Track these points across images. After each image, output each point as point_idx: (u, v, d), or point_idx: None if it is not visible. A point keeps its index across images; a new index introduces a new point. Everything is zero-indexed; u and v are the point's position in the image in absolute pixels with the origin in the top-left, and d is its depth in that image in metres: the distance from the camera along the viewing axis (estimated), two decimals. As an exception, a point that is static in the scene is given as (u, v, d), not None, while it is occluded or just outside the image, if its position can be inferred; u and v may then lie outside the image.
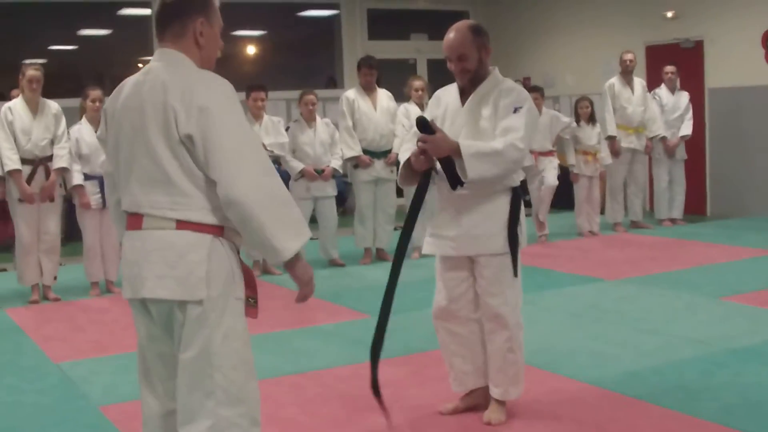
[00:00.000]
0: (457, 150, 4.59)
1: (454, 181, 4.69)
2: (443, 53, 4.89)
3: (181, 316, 3.27)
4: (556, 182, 11.43)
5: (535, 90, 11.19)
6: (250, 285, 3.43)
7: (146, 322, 3.44)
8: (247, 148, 3.25)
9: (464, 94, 4.93)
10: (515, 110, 4.74)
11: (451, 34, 4.85)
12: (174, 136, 3.22)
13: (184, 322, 3.26)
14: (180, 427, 3.34)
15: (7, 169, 8.40)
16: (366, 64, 10.21)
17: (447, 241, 4.93)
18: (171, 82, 3.26)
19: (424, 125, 4.64)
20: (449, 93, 5.05)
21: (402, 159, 4.98)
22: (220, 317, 3.27)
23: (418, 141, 4.65)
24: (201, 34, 3.41)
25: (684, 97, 12.33)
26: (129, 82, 3.44)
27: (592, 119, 11.77)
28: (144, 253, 3.31)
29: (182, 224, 3.26)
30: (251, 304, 3.42)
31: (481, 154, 4.60)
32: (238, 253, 3.43)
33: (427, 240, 5.06)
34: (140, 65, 14.39)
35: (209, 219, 3.28)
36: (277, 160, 9.66)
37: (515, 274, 4.85)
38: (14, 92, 8.77)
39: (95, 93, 8.84)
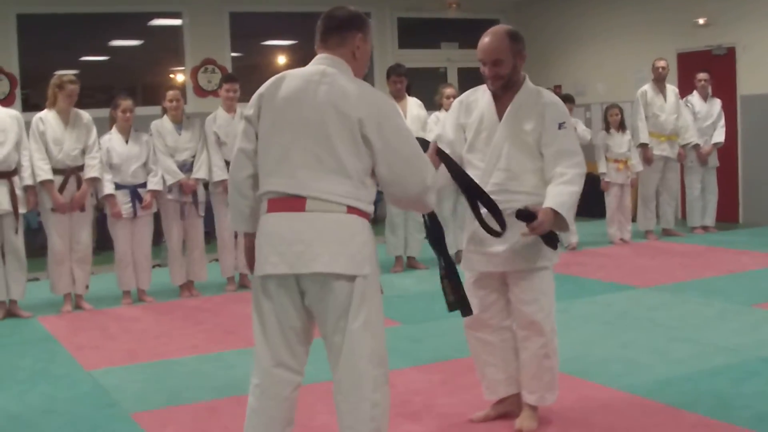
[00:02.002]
0: (554, 216, 4.58)
1: (553, 243, 4.77)
2: (477, 56, 4.80)
3: (347, 290, 3.74)
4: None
5: (567, 100, 11.19)
6: None
7: (291, 298, 3.85)
8: (415, 151, 3.83)
9: (497, 102, 4.86)
10: (560, 126, 4.72)
11: (487, 38, 4.77)
12: (358, 140, 3.73)
13: (352, 295, 3.74)
14: (349, 390, 3.83)
15: (39, 179, 8.45)
16: (395, 72, 10.20)
17: (488, 258, 4.88)
18: (353, 92, 3.78)
19: (526, 216, 4.59)
20: (481, 100, 4.93)
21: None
22: (375, 292, 3.82)
23: (531, 232, 4.59)
24: (358, 48, 3.94)
25: (716, 104, 12.25)
26: (294, 76, 3.89)
27: (622, 127, 11.72)
28: (313, 232, 3.73)
29: (351, 209, 3.76)
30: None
31: (572, 205, 4.66)
32: None
33: (467, 257, 5.01)
34: (171, 75, 14.62)
35: (369, 209, 3.83)
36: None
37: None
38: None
39: (126, 103, 8.89)
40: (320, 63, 3.90)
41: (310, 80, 3.83)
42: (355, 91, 3.78)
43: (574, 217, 4.69)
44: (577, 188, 4.67)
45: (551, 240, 4.73)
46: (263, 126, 3.88)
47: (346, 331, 3.77)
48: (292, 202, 3.76)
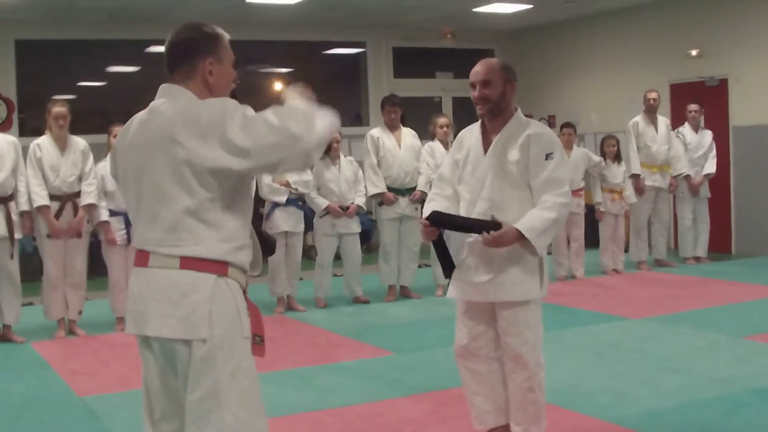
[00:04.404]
0: (518, 236, 4.65)
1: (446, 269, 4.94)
2: (469, 81, 4.88)
3: (186, 356, 3.25)
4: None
5: (568, 126, 11.38)
6: (257, 324, 3.40)
7: (151, 357, 3.40)
8: (281, 119, 3.17)
9: (486, 133, 4.94)
10: (547, 157, 4.76)
11: (479, 64, 4.88)
12: (179, 169, 3.21)
13: (190, 361, 3.24)
14: None
15: (35, 204, 8.49)
16: (389, 102, 10.27)
17: (473, 287, 4.91)
18: (173, 115, 3.26)
19: (491, 225, 4.70)
20: (471, 134, 5.04)
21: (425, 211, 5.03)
22: (227, 357, 3.24)
23: (488, 241, 4.68)
24: (210, 74, 3.41)
25: (707, 135, 12.32)
26: (136, 120, 3.45)
27: (618, 158, 11.80)
28: (149, 291, 3.31)
29: (186, 262, 3.26)
30: (258, 342, 3.38)
31: (544, 230, 4.68)
32: (245, 292, 3.41)
33: (453, 284, 5.04)
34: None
35: (214, 253, 3.27)
36: (301, 198, 9.73)
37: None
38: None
39: (118, 130, 8.90)
40: (157, 98, 3.45)
41: (141, 120, 3.41)
42: (171, 110, 3.29)
43: (546, 243, 4.73)
44: (554, 215, 4.69)
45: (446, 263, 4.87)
46: (119, 181, 3.54)
47: (186, 402, 3.28)
48: (141, 257, 3.37)
